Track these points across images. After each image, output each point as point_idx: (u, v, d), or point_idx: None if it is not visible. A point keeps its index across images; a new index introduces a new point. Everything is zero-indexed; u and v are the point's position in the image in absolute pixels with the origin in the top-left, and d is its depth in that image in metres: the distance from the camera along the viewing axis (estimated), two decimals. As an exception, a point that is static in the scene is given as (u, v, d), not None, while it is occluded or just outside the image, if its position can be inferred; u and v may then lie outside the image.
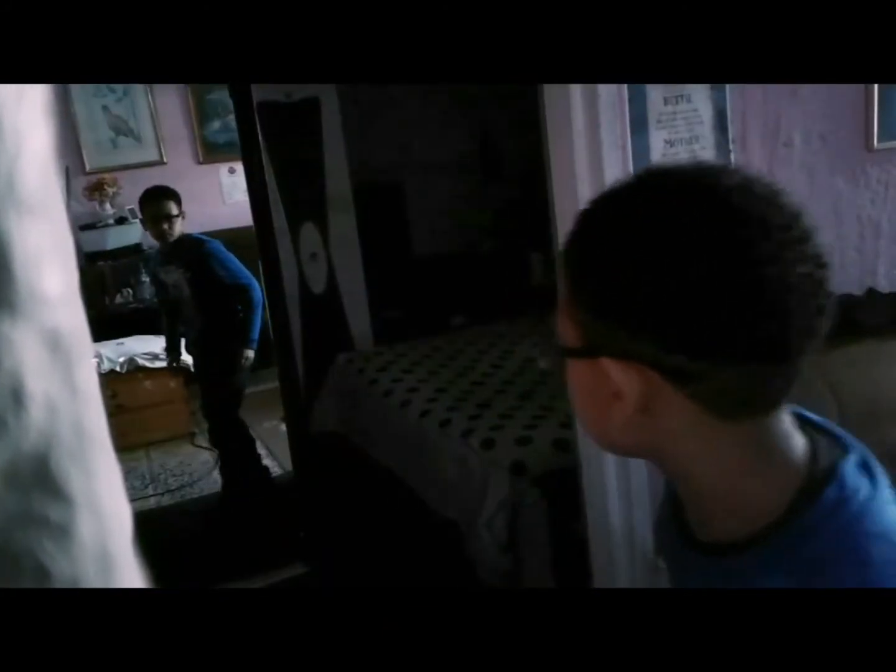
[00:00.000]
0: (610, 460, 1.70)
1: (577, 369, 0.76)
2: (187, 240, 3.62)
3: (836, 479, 0.71)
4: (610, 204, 0.72)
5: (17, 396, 0.27)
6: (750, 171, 0.73)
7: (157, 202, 3.53)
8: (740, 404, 0.70)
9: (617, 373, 0.68)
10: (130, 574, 0.34)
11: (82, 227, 5.29)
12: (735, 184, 0.69)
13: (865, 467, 0.76)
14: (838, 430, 0.82)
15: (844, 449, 0.78)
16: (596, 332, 0.71)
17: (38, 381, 0.28)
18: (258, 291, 3.64)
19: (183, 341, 3.97)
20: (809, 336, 0.66)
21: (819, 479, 0.71)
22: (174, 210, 3.53)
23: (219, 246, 3.65)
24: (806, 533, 0.70)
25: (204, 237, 3.72)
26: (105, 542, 0.31)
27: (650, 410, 0.70)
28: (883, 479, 0.76)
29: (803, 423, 0.78)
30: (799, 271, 0.66)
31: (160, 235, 3.55)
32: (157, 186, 3.66)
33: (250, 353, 3.64)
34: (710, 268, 0.63)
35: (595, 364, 0.70)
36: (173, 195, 3.57)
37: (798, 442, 0.74)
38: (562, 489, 2.08)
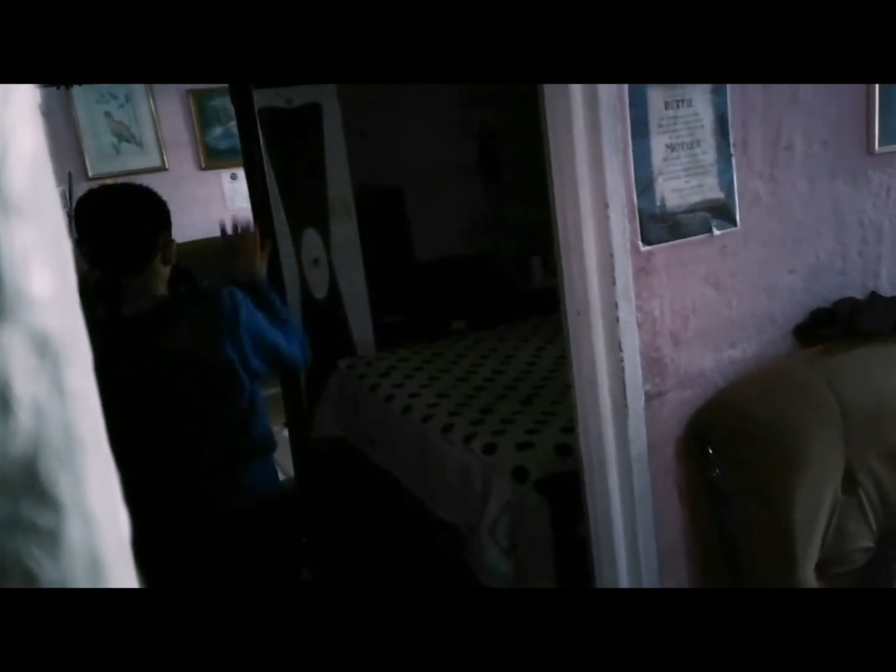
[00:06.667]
0: (612, 464, 1.69)
1: None
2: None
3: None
4: None
5: (3, 400, 0.27)
6: None
7: None
8: None
9: None
10: (123, 580, 0.33)
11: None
12: None
13: None
14: None
15: None
16: None
17: (26, 384, 0.27)
18: None
19: None
20: None
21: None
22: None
23: None
24: None
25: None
26: (95, 548, 0.30)
27: None
28: None
29: None
30: None
31: None
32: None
33: None
34: None
35: None
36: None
37: None
38: (564, 493, 2.08)
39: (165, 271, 1.90)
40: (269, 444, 2.04)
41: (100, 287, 1.91)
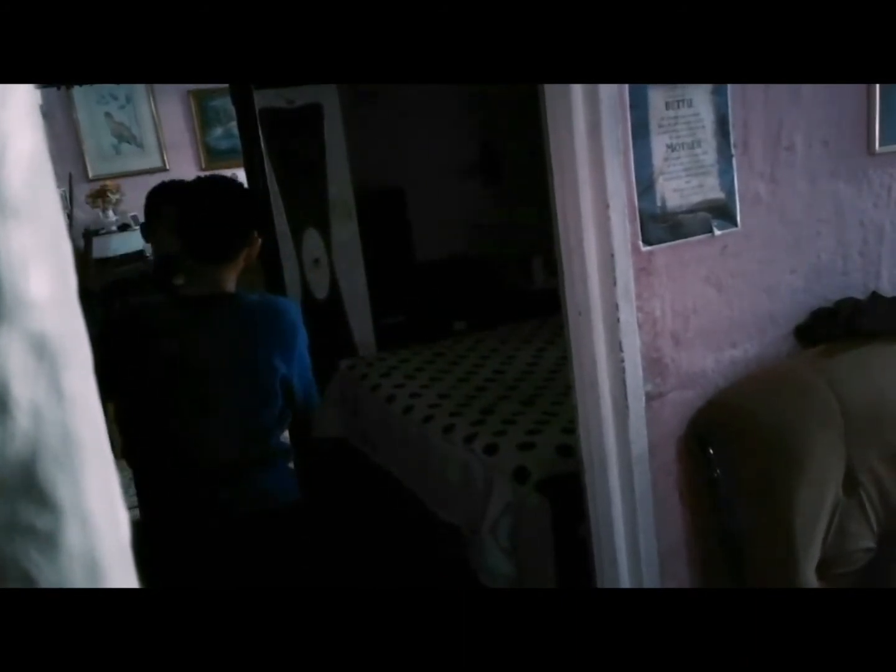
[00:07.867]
0: (613, 465, 1.69)
1: None
2: None
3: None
4: None
5: (1, 402, 0.26)
6: None
7: None
8: None
9: None
10: (122, 583, 0.33)
11: (85, 233, 5.29)
12: None
13: None
14: None
15: None
16: None
17: (24, 386, 0.27)
18: None
19: None
20: None
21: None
22: None
23: None
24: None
25: None
26: (93, 550, 0.30)
27: None
28: None
29: None
30: None
31: None
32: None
33: None
34: None
35: None
36: None
37: None
38: (565, 494, 2.07)
39: (240, 267, 1.94)
40: (287, 451, 2.08)
41: (168, 268, 1.94)
